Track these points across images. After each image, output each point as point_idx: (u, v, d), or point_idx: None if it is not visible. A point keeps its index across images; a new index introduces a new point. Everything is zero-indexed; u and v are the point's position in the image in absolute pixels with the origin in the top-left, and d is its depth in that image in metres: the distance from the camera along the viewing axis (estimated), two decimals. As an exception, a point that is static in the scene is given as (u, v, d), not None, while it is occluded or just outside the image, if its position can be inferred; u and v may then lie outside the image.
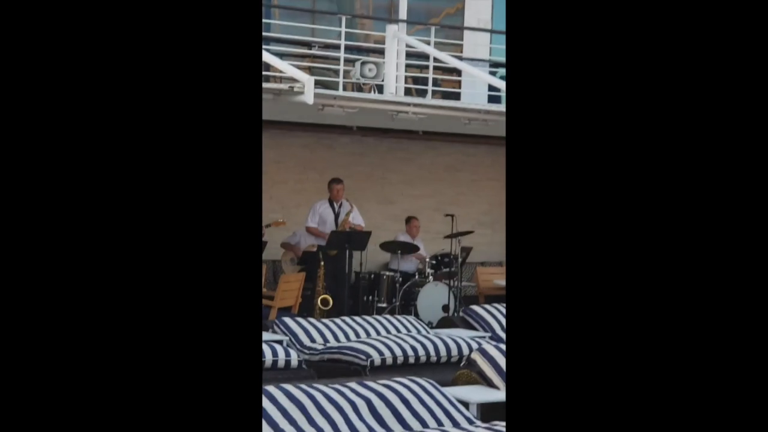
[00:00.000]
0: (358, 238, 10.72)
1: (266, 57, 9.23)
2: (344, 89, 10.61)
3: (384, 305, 11.07)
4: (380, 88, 10.99)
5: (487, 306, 9.37)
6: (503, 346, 6.53)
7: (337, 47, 10.89)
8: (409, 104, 10.90)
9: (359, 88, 10.94)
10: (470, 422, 5.31)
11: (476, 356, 6.33)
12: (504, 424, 5.07)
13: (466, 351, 7.48)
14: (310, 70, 10.61)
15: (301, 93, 9.25)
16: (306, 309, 10.28)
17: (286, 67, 9.39)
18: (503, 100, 12.63)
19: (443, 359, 7.69)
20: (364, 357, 7.36)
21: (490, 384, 6.13)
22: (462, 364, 6.70)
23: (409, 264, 11.69)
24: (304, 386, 5.17)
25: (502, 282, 12.40)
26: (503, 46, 12.34)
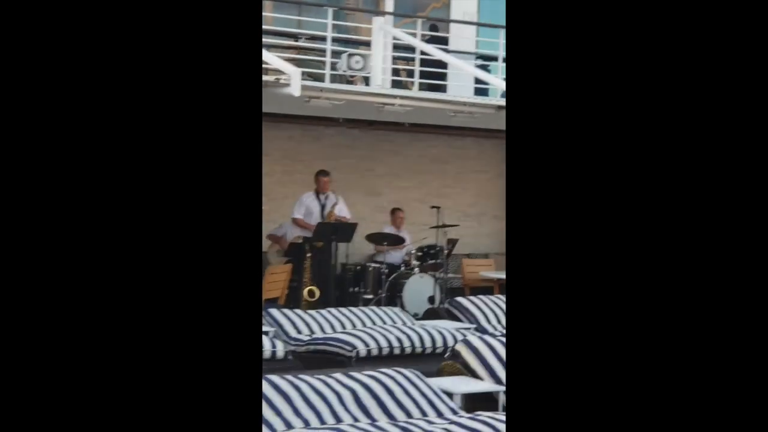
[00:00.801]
0: (344, 230, 10.75)
1: (253, 49, 9.21)
2: (331, 81, 10.61)
3: (370, 297, 11.11)
4: (367, 80, 11.01)
5: (473, 298, 9.42)
6: (488, 338, 6.59)
7: (323, 39, 10.89)
8: (395, 96, 10.92)
9: (346, 80, 10.95)
10: (454, 412, 5.36)
11: (461, 347, 6.38)
12: (488, 414, 5.12)
13: (451, 342, 7.53)
14: (297, 62, 10.62)
15: (288, 85, 9.26)
16: (292, 300, 10.30)
17: (272, 59, 9.40)
18: (490, 92, 12.66)
19: (428, 350, 7.73)
20: (349, 348, 7.40)
21: (474, 375, 6.18)
22: (447, 356, 6.74)
23: (395, 255, 11.73)
24: (290, 377, 5.21)
25: (488, 274, 12.46)
26: (489, 39, 12.38)
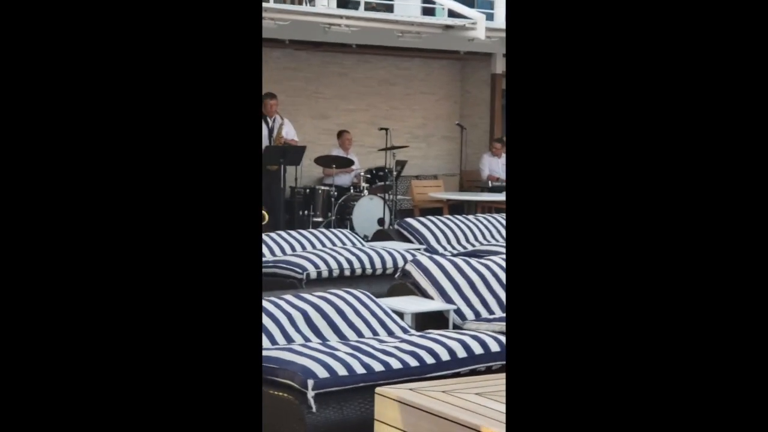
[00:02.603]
0: (292, 153, 10.69)
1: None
2: (275, 1, 10.44)
3: (320, 219, 11.11)
4: (312, 0, 10.85)
5: (422, 218, 9.45)
6: (437, 258, 6.62)
7: (267, -41, 10.69)
8: (341, 17, 10.79)
9: None
10: (405, 331, 5.40)
11: (410, 268, 6.41)
12: (438, 332, 5.16)
13: (400, 263, 7.56)
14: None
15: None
16: (241, 224, 10.25)
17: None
18: (437, 12, 12.57)
19: (378, 271, 7.77)
20: (300, 270, 7.40)
21: (424, 294, 6.22)
22: (397, 276, 6.78)
23: (344, 178, 11.71)
24: (239, 299, 5.20)
25: (437, 195, 12.50)
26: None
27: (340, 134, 12.23)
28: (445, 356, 4.74)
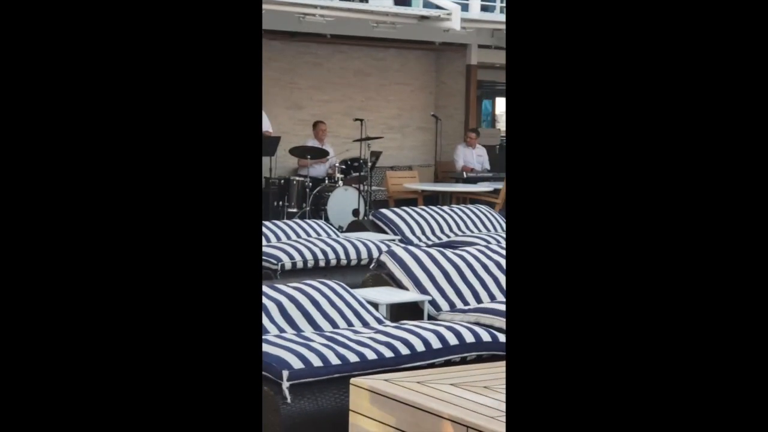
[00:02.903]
0: (267, 144, 10.66)
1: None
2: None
3: (294, 210, 11.08)
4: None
5: (397, 209, 9.46)
6: (412, 248, 6.63)
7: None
8: (316, 6, 10.76)
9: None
10: (380, 322, 5.40)
11: (385, 258, 6.41)
12: (413, 323, 5.17)
13: (375, 254, 7.56)
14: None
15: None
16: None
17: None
18: (412, 2, 12.55)
19: (353, 262, 7.77)
20: (274, 261, 7.39)
21: (399, 285, 6.23)
22: (371, 267, 6.78)
23: (318, 169, 11.69)
24: (214, 290, 5.18)
25: (412, 186, 12.50)
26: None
27: (316, 125, 12.21)
28: (419, 347, 4.75)
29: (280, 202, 11.23)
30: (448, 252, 6.54)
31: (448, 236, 8.92)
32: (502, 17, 12.66)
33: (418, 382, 4.02)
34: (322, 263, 7.61)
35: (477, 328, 5.07)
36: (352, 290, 5.70)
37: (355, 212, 10.99)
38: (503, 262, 6.46)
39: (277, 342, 4.66)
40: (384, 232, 9.00)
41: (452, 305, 6.05)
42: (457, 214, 9.43)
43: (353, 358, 4.55)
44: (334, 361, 4.49)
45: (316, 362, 4.44)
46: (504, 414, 3.42)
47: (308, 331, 5.13)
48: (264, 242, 8.15)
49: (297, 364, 4.37)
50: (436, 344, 4.81)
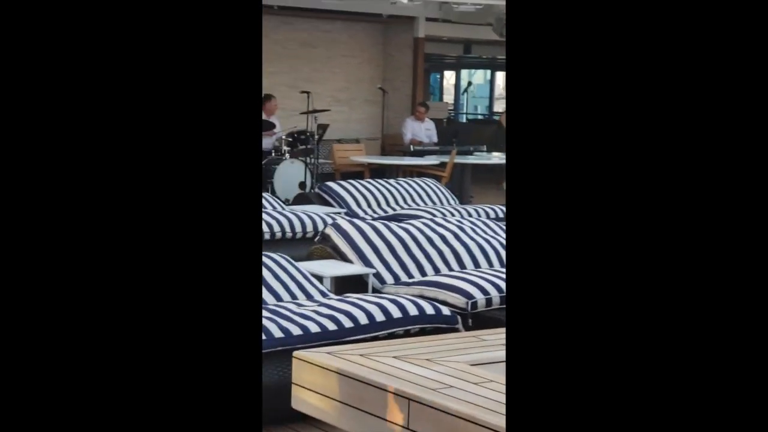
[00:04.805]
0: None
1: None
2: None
3: (240, 183, 11.00)
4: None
5: (343, 182, 9.44)
6: (357, 221, 6.61)
7: None
8: (262, -22, 10.66)
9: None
10: (324, 295, 5.39)
11: (330, 231, 6.39)
12: (357, 296, 5.17)
13: (321, 227, 7.54)
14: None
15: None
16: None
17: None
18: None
19: (298, 235, 7.74)
20: (219, 234, 7.34)
21: (343, 258, 6.22)
22: (316, 239, 6.75)
23: (265, 141, 11.61)
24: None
25: (359, 159, 12.48)
26: None
27: (267, 99, 12.03)
28: (363, 320, 4.75)
29: (226, 175, 11.15)
30: (393, 225, 6.53)
31: (395, 209, 8.92)
32: (450, -10, 12.63)
33: (361, 355, 4.01)
34: (267, 236, 7.57)
35: (421, 301, 5.07)
36: (296, 263, 5.68)
37: (302, 185, 10.95)
38: (448, 235, 6.47)
39: (220, 315, 4.63)
40: (330, 205, 8.98)
41: (397, 278, 6.06)
42: (403, 187, 9.43)
43: (296, 331, 4.54)
44: (278, 334, 4.47)
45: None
46: (445, 386, 3.43)
47: (252, 304, 5.11)
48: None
49: (239, 338, 4.35)
50: (379, 317, 4.81)
